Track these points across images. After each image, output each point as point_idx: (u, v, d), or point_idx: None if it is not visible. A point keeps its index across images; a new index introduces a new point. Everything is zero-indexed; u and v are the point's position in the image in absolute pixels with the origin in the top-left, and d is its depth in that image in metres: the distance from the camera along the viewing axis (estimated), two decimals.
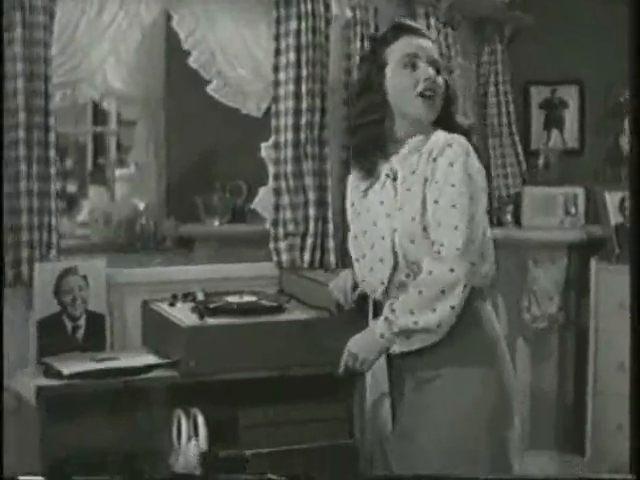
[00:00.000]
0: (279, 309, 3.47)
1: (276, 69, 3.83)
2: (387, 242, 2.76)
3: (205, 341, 3.28)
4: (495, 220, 5.29)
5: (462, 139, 2.73)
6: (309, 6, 3.85)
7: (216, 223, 5.33)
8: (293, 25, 3.81)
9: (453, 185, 2.68)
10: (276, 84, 3.80)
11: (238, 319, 3.36)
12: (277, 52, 3.84)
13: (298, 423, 3.48)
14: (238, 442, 3.46)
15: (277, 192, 3.88)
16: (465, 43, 5.09)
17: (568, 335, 5.28)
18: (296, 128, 3.78)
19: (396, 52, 2.77)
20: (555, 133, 5.41)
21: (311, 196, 3.81)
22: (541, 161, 5.34)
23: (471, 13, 5.06)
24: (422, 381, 2.81)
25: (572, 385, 5.27)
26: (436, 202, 2.69)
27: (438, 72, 2.77)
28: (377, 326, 2.76)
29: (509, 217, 5.32)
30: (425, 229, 2.71)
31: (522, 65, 5.27)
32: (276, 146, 3.84)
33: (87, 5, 3.64)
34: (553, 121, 5.43)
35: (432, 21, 4.54)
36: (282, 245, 3.83)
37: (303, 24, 3.80)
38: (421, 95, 2.73)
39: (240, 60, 3.98)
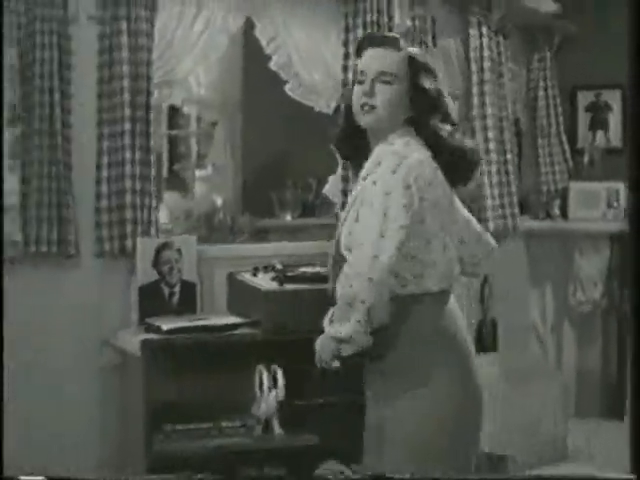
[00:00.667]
0: None
1: (344, 70, 4.36)
2: (367, 248, 2.79)
3: (282, 303, 3.80)
4: (544, 213, 5.74)
5: (400, 154, 2.80)
6: (374, 16, 4.38)
7: (288, 217, 5.71)
8: (359, 33, 4.33)
9: (371, 204, 2.76)
10: (344, 83, 4.32)
11: (310, 285, 3.85)
12: (345, 56, 4.38)
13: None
14: (312, 392, 3.96)
15: (344, 179, 4.41)
16: (516, 50, 5.53)
17: (611, 319, 5.65)
18: None
19: (356, 67, 2.94)
20: (600, 133, 5.82)
21: None
22: (586, 159, 5.73)
23: (521, 23, 5.50)
24: (389, 380, 2.88)
25: (615, 365, 5.62)
26: (356, 220, 2.82)
27: (388, 83, 2.84)
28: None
29: (557, 210, 5.73)
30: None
31: (569, 71, 5.66)
32: None
33: (184, 14, 4.18)
34: (598, 123, 5.84)
35: (484, 30, 5.02)
36: None
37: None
38: (361, 107, 2.86)
39: (313, 63, 4.49)
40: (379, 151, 2.86)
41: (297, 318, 3.73)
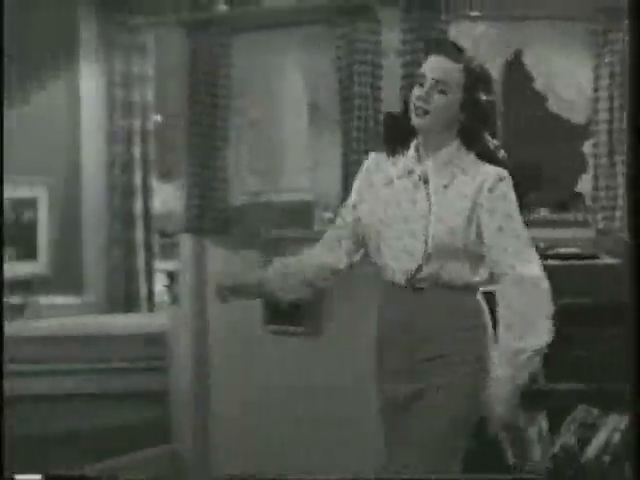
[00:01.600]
0: (595, 257, 4.93)
1: (595, 90, 5.28)
2: (419, 243, 2.98)
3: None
4: None
5: (506, 173, 2.99)
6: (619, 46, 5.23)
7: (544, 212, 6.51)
8: (607, 58, 5.22)
9: (511, 216, 2.95)
10: (595, 100, 5.25)
11: (567, 262, 4.82)
12: (596, 78, 5.28)
13: None
14: None
15: (595, 177, 5.32)
16: None
17: None
18: (610, 132, 5.20)
19: (420, 69, 3.04)
20: None
21: (620, 180, 5.21)
22: None
23: None
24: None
25: None
26: (500, 230, 2.94)
27: (444, 93, 2.94)
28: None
29: None
30: (466, 245, 2.98)
31: None
32: (595, 145, 5.27)
33: None
34: None
35: None
36: (599, 216, 5.24)
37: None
38: (415, 108, 2.98)
39: (569, 83, 5.47)
40: (448, 154, 3.00)
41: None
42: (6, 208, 5.26)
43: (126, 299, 5.85)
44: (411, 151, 3.06)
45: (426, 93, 2.93)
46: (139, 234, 5.85)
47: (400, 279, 2.99)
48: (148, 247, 5.93)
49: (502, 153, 3.04)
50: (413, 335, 2.99)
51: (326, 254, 3.20)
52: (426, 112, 2.93)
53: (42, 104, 5.76)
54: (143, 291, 5.89)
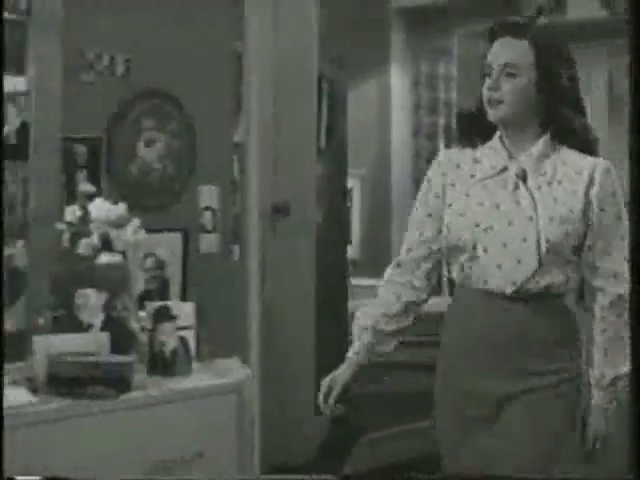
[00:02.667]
0: None
1: None
2: (531, 246, 2.59)
3: None
4: None
5: (610, 164, 2.61)
6: None
7: None
8: None
9: (619, 218, 2.60)
10: None
11: None
12: None
13: None
14: None
15: None
16: None
17: None
18: None
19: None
20: None
21: None
22: None
23: None
24: None
25: None
26: (604, 233, 2.60)
27: (513, 75, 2.60)
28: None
29: None
30: (575, 249, 2.62)
31: None
32: None
33: None
34: None
35: None
36: None
37: None
38: (488, 102, 2.63)
39: None
40: (544, 148, 2.63)
41: None
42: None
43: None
44: (497, 145, 2.68)
45: (495, 81, 2.59)
46: None
47: (505, 288, 2.60)
48: None
49: (593, 135, 2.67)
50: (519, 349, 2.64)
51: (402, 290, 2.76)
52: (499, 101, 2.60)
53: (357, 102, 6.32)
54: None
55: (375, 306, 2.73)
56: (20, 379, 2.77)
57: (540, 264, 2.56)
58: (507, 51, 2.59)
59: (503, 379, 2.62)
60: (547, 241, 2.56)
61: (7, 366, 2.71)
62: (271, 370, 4.21)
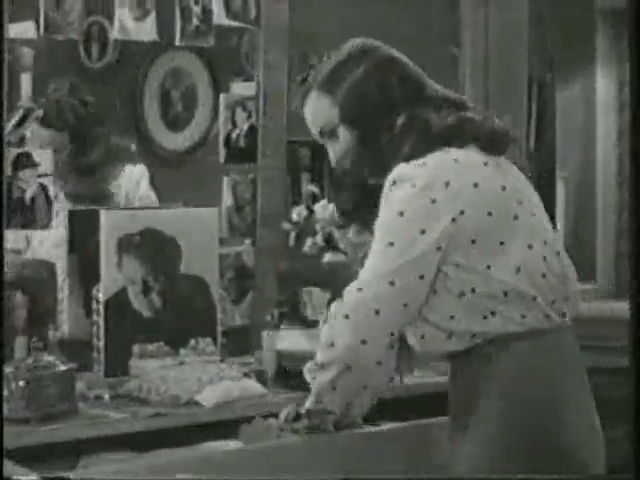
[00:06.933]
0: None
1: None
2: (556, 259, 2.22)
3: None
4: None
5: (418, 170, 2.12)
6: None
7: None
8: None
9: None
10: None
11: None
12: None
13: None
14: None
15: None
16: None
17: None
18: None
19: None
20: None
21: None
22: None
23: None
24: None
25: None
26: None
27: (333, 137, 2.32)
28: None
29: None
30: None
31: None
32: None
33: None
34: None
35: None
36: None
37: None
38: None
39: None
40: None
41: None
42: None
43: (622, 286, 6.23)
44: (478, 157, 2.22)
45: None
46: None
47: (545, 311, 2.12)
48: None
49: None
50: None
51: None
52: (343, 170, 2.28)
53: (562, 104, 6.24)
54: None
55: None
56: (250, 372, 2.86)
57: (565, 279, 2.21)
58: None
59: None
60: (562, 251, 2.24)
61: (233, 359, 2.89)
62: None
